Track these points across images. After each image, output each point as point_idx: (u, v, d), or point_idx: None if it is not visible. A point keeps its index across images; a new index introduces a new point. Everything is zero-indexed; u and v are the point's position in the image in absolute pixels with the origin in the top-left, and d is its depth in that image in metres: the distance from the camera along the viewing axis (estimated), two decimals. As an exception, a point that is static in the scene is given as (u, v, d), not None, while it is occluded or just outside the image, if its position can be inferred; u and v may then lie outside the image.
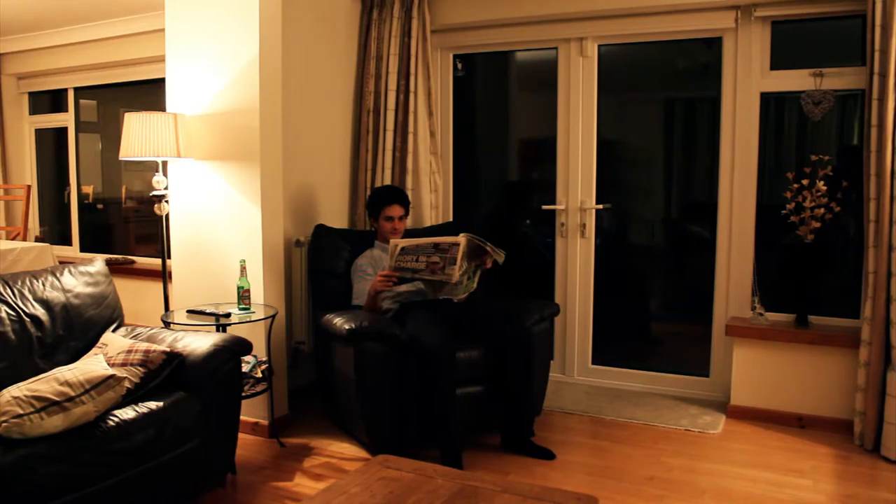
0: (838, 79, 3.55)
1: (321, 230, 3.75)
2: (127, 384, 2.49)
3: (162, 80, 3.67)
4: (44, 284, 2.85)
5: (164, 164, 3.54)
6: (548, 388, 3.63)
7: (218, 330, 3.12)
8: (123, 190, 5.57)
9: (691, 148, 4.31)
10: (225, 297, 3.46)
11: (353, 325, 3.05)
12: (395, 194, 3.63)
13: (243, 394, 3.03)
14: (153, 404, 2.50)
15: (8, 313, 2.67)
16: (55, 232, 5.90)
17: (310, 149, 4.02)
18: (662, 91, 4.32)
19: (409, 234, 3.65)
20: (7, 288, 2.74)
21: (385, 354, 3.08)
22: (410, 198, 4.20)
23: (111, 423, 2.34)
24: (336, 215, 4.22)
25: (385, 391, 3.11)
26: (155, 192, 3.50)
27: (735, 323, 3.69)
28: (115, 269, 3.90)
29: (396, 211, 3.56)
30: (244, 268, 3.33)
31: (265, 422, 3.47)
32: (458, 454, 3.05)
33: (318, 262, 3.68)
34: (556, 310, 3.67)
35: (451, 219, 4.49)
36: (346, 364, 3.16)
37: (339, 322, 3.13)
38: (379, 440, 3.16)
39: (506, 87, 4.78)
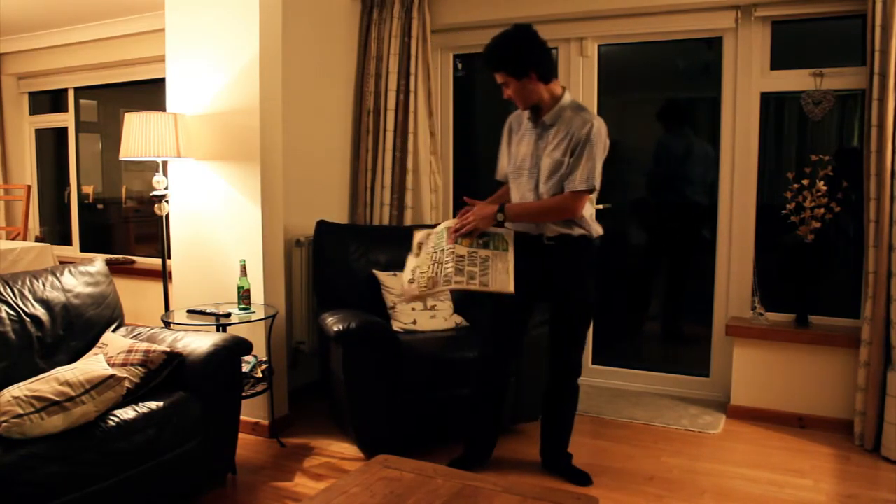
0: (838, 79, 3.55)
1: (324, 226, 3.73)
2: (127, 384, 2.49)
3: (162, 80, 3.67)
4: (44, 284, 2.85)
5: (164, 164, 3.54)
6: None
7: (218, 330, 3.12)
8: (123, 190, 5.57)
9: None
10: (225, 297, 3.46)
11: (341, 328, 3.03)
12: (485, 57, 2.80)
13: (243, 394, 3.03)
14: (153, 404, 2.50)
15: (8, 313, 2.67)
16: (55, 232, 5.90)
17: (310, 149, 4.02)
18: (662, 91, 4.31)
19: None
20: (7, 288, 2.74)
21: (376, 356, 3.05)
22: (410, 198, 4.20)
23: (111, 423, 2.34)
24: (336, 215, 4.21)
25: (374, 393, 3.09)
26: (155, 192, 3.50)
27: (735, 323, 3.69)
28: (115, 269, 3.89)
29: (497, 78, 2.78)
30: (244, 268, 3.33)
31: (265, 422, 3.47)
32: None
33: (321, 259, 3.66)
34: None
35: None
36: (337, 364, 3.16)
37: (331, 322, 3.12)
38: (369, 442, 3.15)
39: (506, 87, 4.77)
